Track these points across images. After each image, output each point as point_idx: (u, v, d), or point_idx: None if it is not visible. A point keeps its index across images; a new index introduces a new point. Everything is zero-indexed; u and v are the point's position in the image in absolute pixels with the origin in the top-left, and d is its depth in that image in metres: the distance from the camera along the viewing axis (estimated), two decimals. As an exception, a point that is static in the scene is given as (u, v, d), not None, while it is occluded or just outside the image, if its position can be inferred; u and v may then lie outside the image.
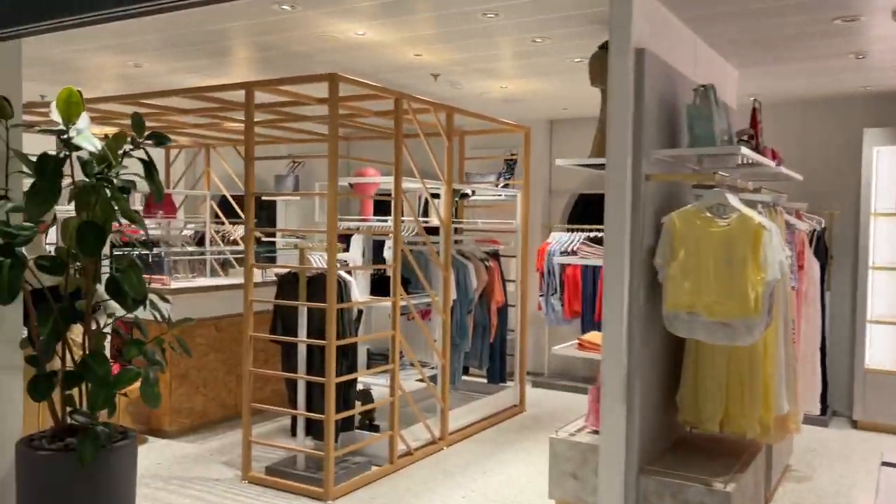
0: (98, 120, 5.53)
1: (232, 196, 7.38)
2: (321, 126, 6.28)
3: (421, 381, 4.77)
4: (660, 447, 3.53)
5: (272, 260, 8.11)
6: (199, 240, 7.66)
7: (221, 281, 5.93)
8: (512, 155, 6.95)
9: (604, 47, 3.78)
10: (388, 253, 5.88)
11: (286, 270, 4.38)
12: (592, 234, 6.54)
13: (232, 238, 7.84)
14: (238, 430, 5.13)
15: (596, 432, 3.86)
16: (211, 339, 5.22)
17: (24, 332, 3.23)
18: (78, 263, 3.01)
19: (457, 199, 6.10)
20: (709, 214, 3.20)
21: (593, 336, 3.87)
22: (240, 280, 5.80)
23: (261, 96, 4.43)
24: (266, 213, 9.14)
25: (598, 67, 3.78)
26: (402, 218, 4.46)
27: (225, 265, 7.16)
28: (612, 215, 3.16)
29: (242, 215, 7.28)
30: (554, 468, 3.78)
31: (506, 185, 6.75)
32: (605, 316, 3.21)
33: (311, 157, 7.11)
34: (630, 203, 3.16)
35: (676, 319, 3.24)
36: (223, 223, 7.67)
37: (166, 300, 3.12)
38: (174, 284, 5.35)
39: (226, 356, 5.33)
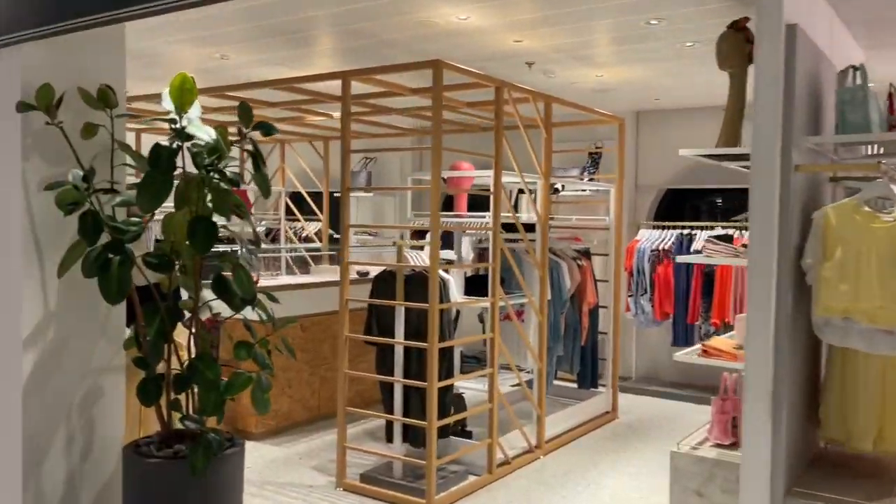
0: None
1: (307, 192, 7.26)
2: (401, 119, 6.10)
3: (517, 385, 4.52)
4: (800, 466, 3.20)
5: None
6: (273, 237, 7.57)
7: (306, 279, 5.79)
8: (597, 148, 6.64)
9: (734, 26, 3.46)
10: (465, 250, 5.70)
11: (382, 268, 4.19)
12: (685, 231, 6.19)
13: (305, 234, 7.73)
14: (323, 433, 4.98)
15: (720, 446, 3.55)
16: (296, 338, 5.07)
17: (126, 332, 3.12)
18: (178, 261, 2.86)
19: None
20: (867, 209, 2.86)
21: (719, 342, 3.55)
22: (323, 278, 5.67)
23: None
24: (336, 210, 9.03)
25: (728, 49, 3.46)
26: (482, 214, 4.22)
27: (300, 262, 7.05)
28: (758, 210, 2.85)
29: (318, 212, 7.24)
30: (676, 484, 3.48)
31: (590, 180, 6.45)
32: (749, 322, 2.90)
33: (412, 150, 6.95)
34: (778, 197, 2.84)
35: (828, 325, 2.91)
36: (297, 220, 7.57)
37: (275, 299, 2.95)
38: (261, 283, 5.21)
39: (310, 356, 5.18)
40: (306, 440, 4.90)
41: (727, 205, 7.42)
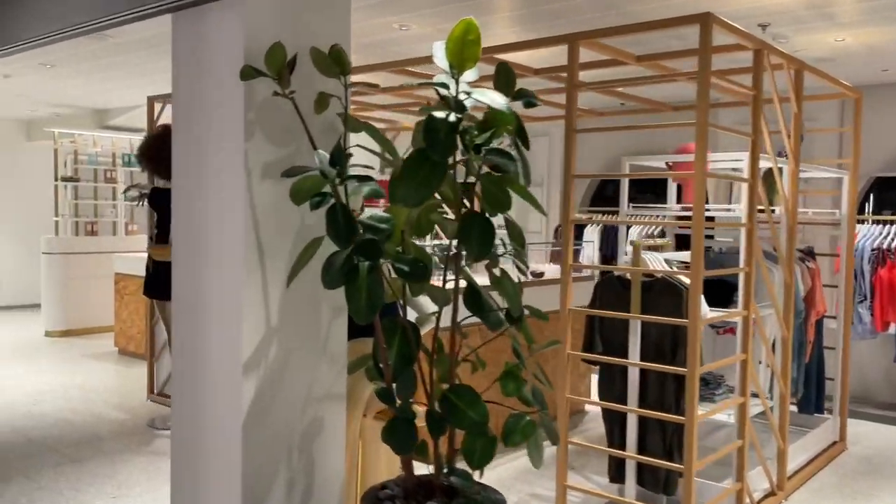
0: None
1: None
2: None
3: (762, 415, 3.75)
4: None
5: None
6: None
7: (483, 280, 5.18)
8: (798, 130, 5.72)
9: None
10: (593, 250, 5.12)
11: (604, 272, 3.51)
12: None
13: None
14: (501, 458, 4.37)
15: None
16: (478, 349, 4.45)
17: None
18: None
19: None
20: None
21: None
22: (484, 280, 5.07)
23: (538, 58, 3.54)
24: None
25: None
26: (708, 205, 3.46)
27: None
28: None
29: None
30: None
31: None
32: None
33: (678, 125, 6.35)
34: None
35: None
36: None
37: (543, 316, 2.33)
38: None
39: (493, 371, 4.54)
40: (491, 468, 4.27)
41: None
